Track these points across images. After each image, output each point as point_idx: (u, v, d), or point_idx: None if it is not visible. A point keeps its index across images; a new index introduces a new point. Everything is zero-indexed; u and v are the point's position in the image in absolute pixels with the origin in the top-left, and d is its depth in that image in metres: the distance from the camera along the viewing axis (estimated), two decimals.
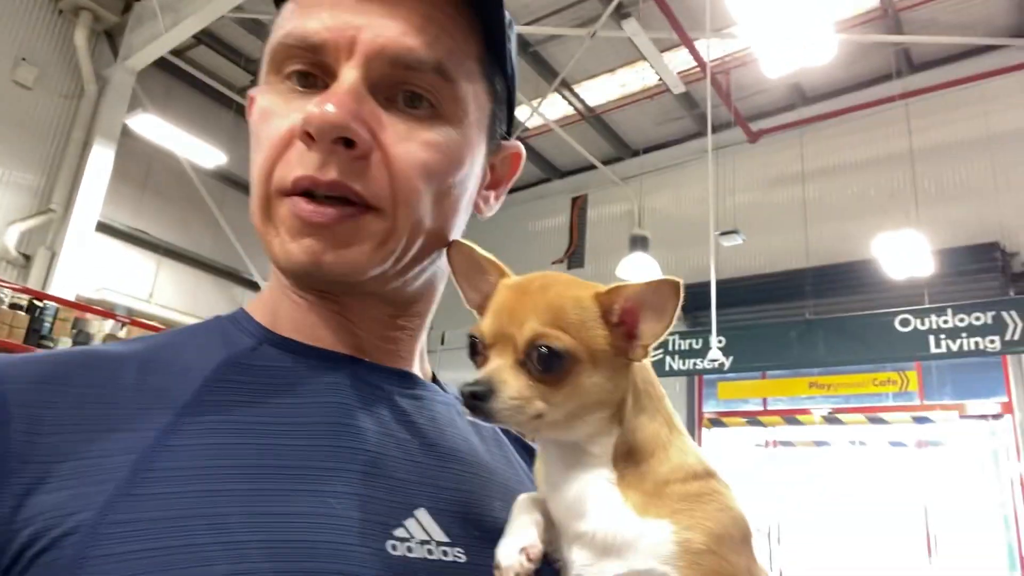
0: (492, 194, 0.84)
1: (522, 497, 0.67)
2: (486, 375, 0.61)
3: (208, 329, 0.73)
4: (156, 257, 11.52)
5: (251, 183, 0.70)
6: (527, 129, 11.93)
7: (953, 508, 9.33)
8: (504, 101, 0.79)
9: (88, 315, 7.85)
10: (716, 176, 8.62)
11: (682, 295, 0.63)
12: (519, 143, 0.86)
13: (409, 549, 0.59)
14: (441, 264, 0.79)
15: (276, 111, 0.68)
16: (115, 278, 10.65)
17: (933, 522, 9.03)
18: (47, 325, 7.28)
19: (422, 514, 0.62)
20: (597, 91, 11.31)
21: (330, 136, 0.63)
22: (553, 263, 12.67)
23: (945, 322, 8.13)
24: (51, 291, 8.32)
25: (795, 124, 10.81)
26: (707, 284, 8.13)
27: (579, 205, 13.25)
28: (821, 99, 10.83)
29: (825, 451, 10.27)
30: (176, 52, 10.76)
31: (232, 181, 12.33)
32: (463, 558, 0.62)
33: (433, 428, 0.71)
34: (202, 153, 10.00)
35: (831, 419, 9.59)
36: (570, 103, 11.54)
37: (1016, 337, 7.67)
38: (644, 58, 9.91)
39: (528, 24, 9.61)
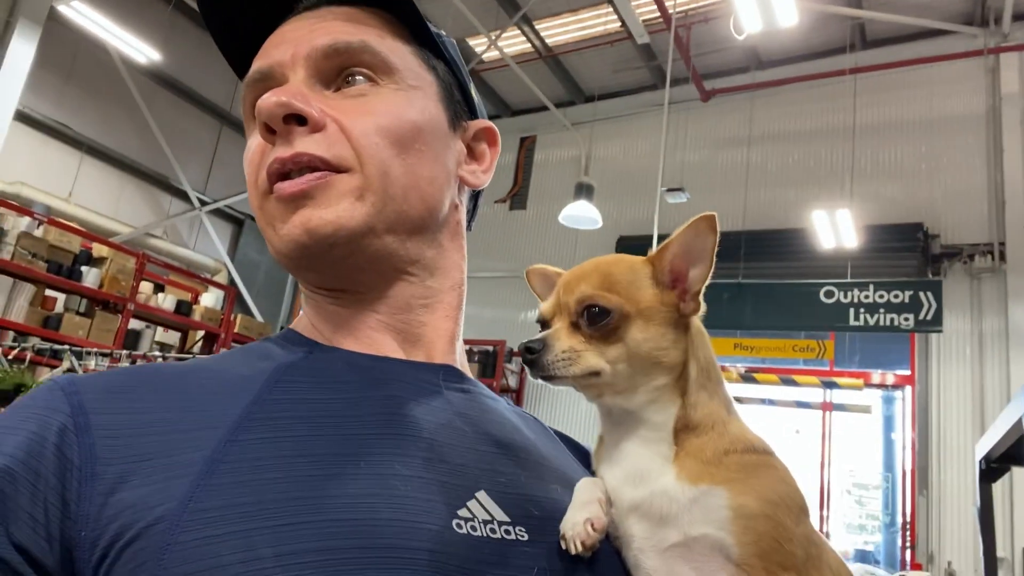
0: (478, 167, 0.89)
1: (584, 479, 0.70)
2: (542, 335, 0.68)
3: (259, 346, 0.78)
4: (78, 154, 10.87)
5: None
6: (482, 62, 11.65)
7: (848, 468, 9.98)
8: (453, 84, 0.86)
9: (3, 209, 7.39)
10: (667, 130, 8.64)
11: (718, 229, 0.69)
12: (485, 120, 0.92)
13: (473, 528, 0.61)
14: (458, 248, 0.86)
15: (249, 143, 0.77)
16: (33, 172, 10.01)
17: (829, 479, 9.65)
18: None
19: (483, 496, 0.64)
20: (558, 30, 11.10)
21: (279, 115, 0.70)
22: (496, 202, 12.60)
23: (866, 297, 8.52)
24: None
25: (747, 87, 10.91)
26: (647, 238, 8.25)
27: (527, 146, 13.13)
28: (775, 65, 10.95)
29: (739, 408, 10.76)
30: None
31: (165, 82, 11.66)
32: (525, 536, 0.63)
33: (485, 419, 0.74)
34: (135, 47, 9.37)
35: (747, 377, 10.01)
36: (529, 40, 11.29)
37: (929, 317, 8.11)
38: (609, 1, 9.74)
39: None
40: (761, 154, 10.85)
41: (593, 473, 0.74)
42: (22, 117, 9.58)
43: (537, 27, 11.01)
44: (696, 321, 0.72)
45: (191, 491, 0.55)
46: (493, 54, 11.30)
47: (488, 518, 0.62)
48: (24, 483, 0.54)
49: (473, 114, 0.89)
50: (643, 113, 11.69)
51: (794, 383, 9.89)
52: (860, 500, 10.09)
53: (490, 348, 10.46)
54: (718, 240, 0.69)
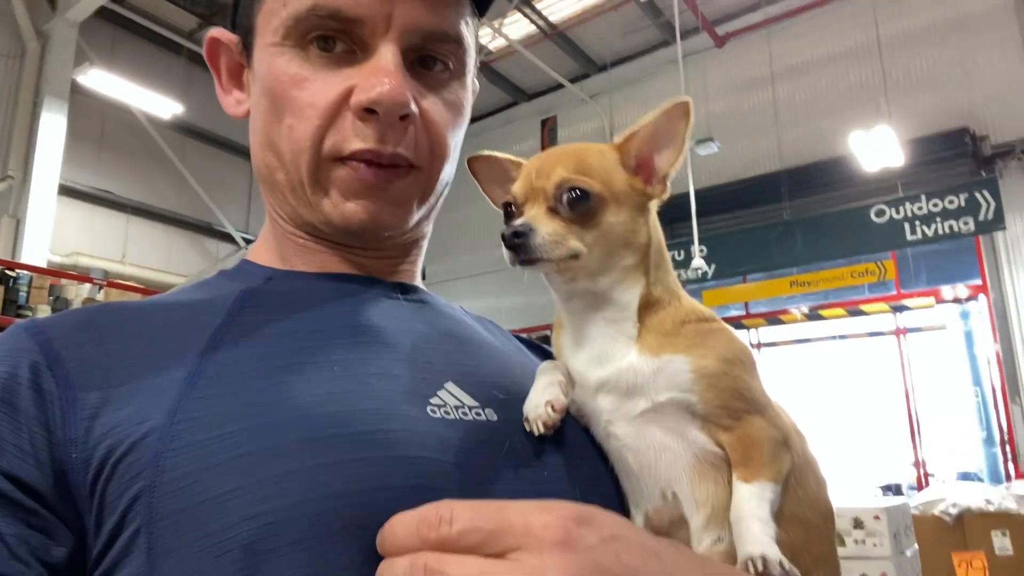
0: None
1: (545, 363, 0.74)
2: (523, 220, 0.67)
3: (217, 279, 0.80)
4: (124, 216, 11.27)
5: (276, 143, 0.74)
6: (490, 53, 11.63)
7: (933, 391, 9.68)
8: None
9: (63, 281, 7.71)
10: (686, 84, 8.50)
11: (692, 114, 0.69)
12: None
13: (446, 412, 0.65)
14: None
15: (310, 79, 0.72)
16: (85, 241, 10.43)
17: (916, 406, 9.37)
18: (23, 294, 7.15)
19: (451, 386, 0.68)
20: (559, 5, 11.01)
21: (396, 115, 0.71)
22: None
23: (919, 208, 8.24)
24: (22, 260, 8.14)
25: (761, 24, 10.65)
26: (686, 195, 8.14)
27: (549, 127, 13.08)
28: None
29: (807, 347, 10.55)
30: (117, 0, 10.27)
31: (191, 131, 11.97)
32: (495, 417, 0.68)
33: (443, 323, 0.78)
34: (157, 104, 9.67)
35: (812, 316, 9.79)
36: (532, 21, 11.24)
37: (990, 216, 7.80)
38: None
39: None
40: (788, 89, 10.58)
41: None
42: (66, 191, 9.98)
43: (538, 6, 10.95)
44: (653, 206, 0.74)
45: (175, 405, 0.58)
46: (499, 42, 11.29)
47: (459, 403, 0.66)
48: (3, 418, 0.56)
49: None
50: (660, 71, 11.51)
51: (862, 313, 9.62)
52: (952, 421, 9.78)
53: (549, 332, 10.49)
54: (691, 124, 0.70)
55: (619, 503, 0.69)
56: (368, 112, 0.70)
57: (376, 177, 0.72)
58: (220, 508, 0.53)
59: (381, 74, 0.70)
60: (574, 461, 0.68)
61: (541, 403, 0.66)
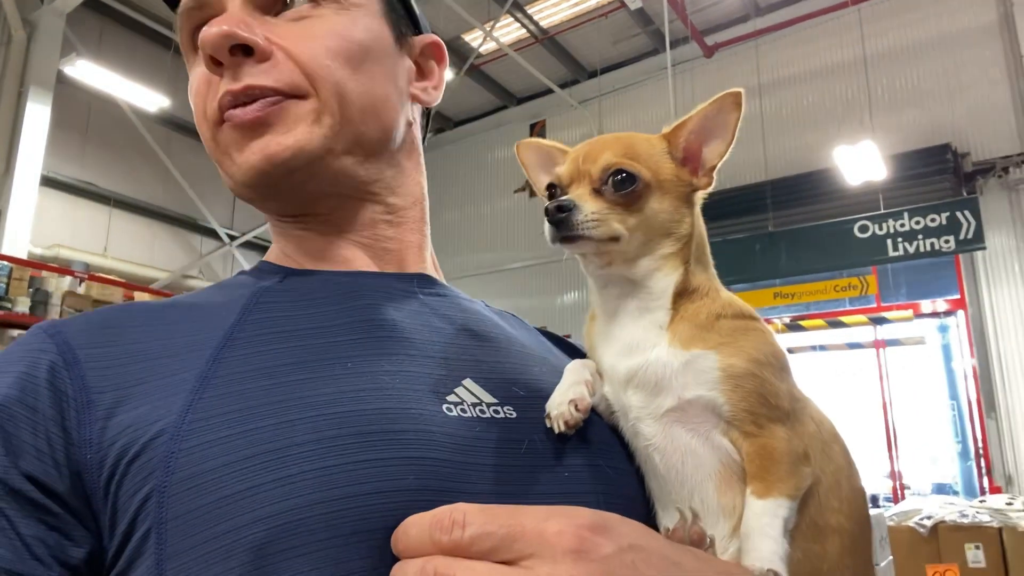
0: (428, 84, 0.89)
1: (575, 361, 0.72)
2: (567, 197, 0.67)
3: (234, 279, 0.80)
4: (107, 209, 11.15)
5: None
6: (480, 55, 11.65)
7: (910, 404, 9.81)
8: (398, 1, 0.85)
9: (44, 273, 7.62)
10: (675, 92, 8.57)
11: (743, 105, 0.70)
12: (431, 34, 0.90)
13: (463, 410, 0.64)
14: (416, 166, 0.87)
15: (193, 75, 0.77)
16: (67, 233, 10.32)
17: (893, 418, 9.49)
18: (2, 285, 7.06)
19: (469, 383, 0.67)
20: (550, 11, 11.05)
21: (224, 46, 0.69)
22: (515, 192, 12.60)
23: (902, 225, 8.34)
24: (2, 251, 8.04)
25: (750, 36, 10.74)
26: None
27: (537, 131, 13.11)
28: (774, 9, 10.76)
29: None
30: None
31: (177, 125, 11.87)
32: (514, 414, 0.66)
33: (463, 317, 0.76)
34: (143, 97, 9.58)
35: (793, 326, 9.88)
36: (523, 25, 11.27)
37: (970, 236, 7.92)
38: None
39: None
40: (774, 101, 10.68)
41: (584, 355, 0.76)
42: (48, 182, 9.86)
43: (529, 11, 10.98)
44: (699, 198, 0.73)
45: (187, 405, 0.58)
46: (490, 46, 11.30)
47: (477, 400, 0.65)
48: (23, 419, 0.57)
49: (417, 29, 0.88)
50: (649, 79, 11.58)
51: (842, 324, 9.72)
52: (928, 434, 9.91)
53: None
54: (741, 115, 0.70)
55: (644, 504, 0.68)
56: (215, 64, 0.71)
57: (245, 112, 0.71)
58: (230, 509, 0.53)
59: (212, 24, 0.70)
60: (596, 461, 0.66)
61: (565, 401, 0.65)
